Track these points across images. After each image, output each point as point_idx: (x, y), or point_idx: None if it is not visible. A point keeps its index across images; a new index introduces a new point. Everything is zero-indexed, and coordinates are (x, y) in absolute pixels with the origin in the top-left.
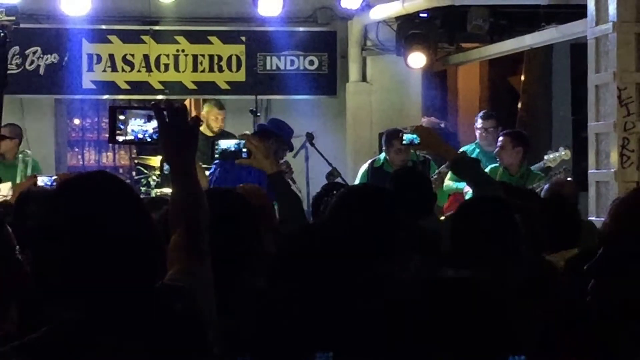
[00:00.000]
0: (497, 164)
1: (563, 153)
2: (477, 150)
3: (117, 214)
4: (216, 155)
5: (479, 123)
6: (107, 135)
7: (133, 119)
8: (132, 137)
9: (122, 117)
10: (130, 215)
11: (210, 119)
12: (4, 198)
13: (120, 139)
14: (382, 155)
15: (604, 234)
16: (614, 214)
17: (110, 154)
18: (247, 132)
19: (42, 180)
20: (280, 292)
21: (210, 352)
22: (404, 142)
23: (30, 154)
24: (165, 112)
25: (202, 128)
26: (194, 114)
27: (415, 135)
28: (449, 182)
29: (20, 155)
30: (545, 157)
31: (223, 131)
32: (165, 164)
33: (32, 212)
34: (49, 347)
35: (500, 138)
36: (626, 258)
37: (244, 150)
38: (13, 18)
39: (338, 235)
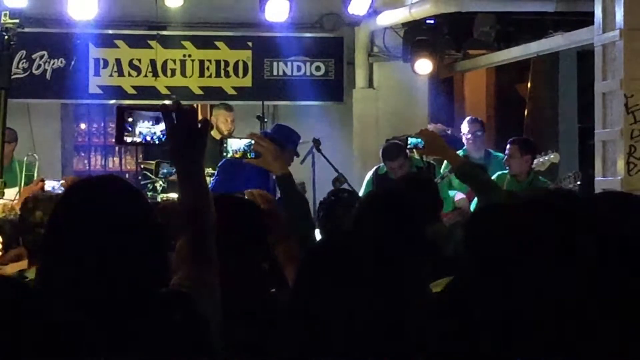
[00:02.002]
0: (504, 171)
1: (552, 156)
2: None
3: (124, 219)
4: (224, 155)
5: (464, 128)
6: (114, 139)
7: (141, 121)
8: (140, 139)
9: (130, 120)
10: (137, 220)
11: (219, 121)
12: (10, 202)
13: (128, 139)
14: None
15: None
16: None
17: (116, 159)
18: (256, 133)
19: (49, 185)
20: (305, 302)
21: (214, 358)
22: (408, 145)
23: (37, 158)
24: (174, 114)
25: (212, 132)
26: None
27: (419, 140)
28: None
29: (24, 159)
30: (535, 161)
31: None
32: (161, 167)
33: (37, 215)
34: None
35: (508, 146)
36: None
37: (253, 150)
38: (17, 20)
39: (366, 242)
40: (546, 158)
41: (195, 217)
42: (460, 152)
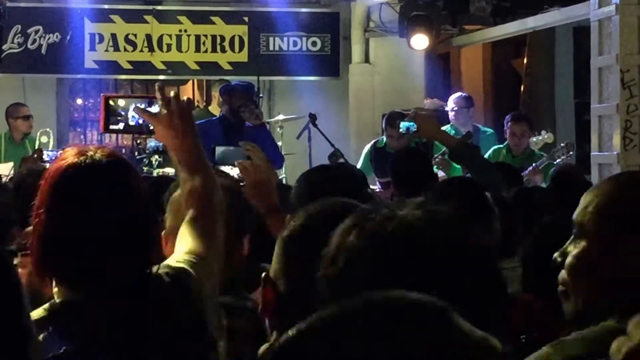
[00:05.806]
0: (500, 146)
1: (546, 136)
2: (453, 131)
3: (117, 195)
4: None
5: (449, 104)
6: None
7: (133, 104)
8: (133, 123)
9: (122, 103)
10: (130, 196)
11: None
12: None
13: (119, 127)
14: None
15: (576, 222)
16: (588, 203)
17: (112, 134)
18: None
19: (47, 155)
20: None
21: (208, 335)
22: (400, 130)
23: (51, 132)
24: (159, 103)
25: (210, 108)
26: (197, 94)
27: (412, 123)
28: None
29: (37, 134)
30: (530, 140)
31: None
32: (148, 141)
33: (30, 191)
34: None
35: (518, 126)
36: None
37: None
38: None
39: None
40: (540, 138)
41: (198, 198)
42: (447, 127)
